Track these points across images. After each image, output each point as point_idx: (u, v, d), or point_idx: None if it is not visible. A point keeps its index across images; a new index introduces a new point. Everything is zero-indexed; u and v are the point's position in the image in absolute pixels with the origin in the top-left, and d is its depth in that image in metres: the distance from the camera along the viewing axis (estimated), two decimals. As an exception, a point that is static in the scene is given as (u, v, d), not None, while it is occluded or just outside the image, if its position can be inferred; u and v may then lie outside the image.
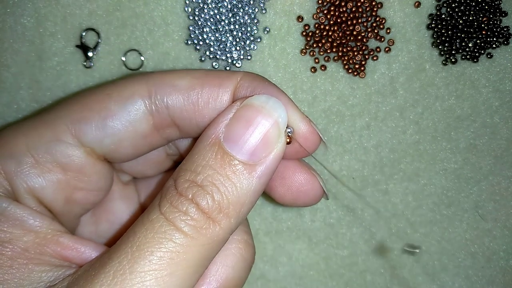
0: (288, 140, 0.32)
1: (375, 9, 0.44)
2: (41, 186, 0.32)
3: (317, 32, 0.44)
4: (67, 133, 0.33)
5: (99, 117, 0.33)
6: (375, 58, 0.45)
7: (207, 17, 0.44)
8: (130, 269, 0.26)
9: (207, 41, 0.44)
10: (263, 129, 0.30)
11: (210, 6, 0.44)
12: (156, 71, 0.43)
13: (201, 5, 0.44)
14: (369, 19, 0.44)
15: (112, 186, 0.38)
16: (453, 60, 0.45)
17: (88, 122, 0.33)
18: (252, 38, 0.45)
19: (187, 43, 0.45)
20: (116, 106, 0.33)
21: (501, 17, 0.44)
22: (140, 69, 0.45)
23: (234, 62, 0.45)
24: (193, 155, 0.30)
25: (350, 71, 0.45)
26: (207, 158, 0.29)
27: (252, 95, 0.31)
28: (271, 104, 0.30)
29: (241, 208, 0.29)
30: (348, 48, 0.45)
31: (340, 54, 0.45)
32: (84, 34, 0.45)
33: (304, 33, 0.45)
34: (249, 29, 0.44)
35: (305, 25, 0.45)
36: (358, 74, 0.45)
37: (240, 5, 0.44)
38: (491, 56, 0.45)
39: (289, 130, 0.32)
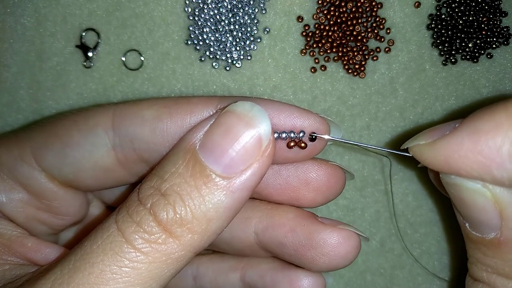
0: (302, 144, 0.31)
1: (375, 9, 0.44)
2: (1, 202, 0.33)
3: (317, 32, 0.44)
4: (30, 156, 0.32)
5: (60, 144, 0.32)
6: (375, 58, 0.45)
7: (207, 17, 0.44)
8: (69, 279, 0.25)
9: (207, 41, 0.44)
10: (242, 140, 0.26)
11: (210, 6, 0.44)
12: (125, 101, 0.40)
13: (201, 5, 0.44)
14: (369, 19, 0.44)
15: (96, 212, 0.38)
16: (453, 60, 0.45)
17: (48, 148, 0.32)
18: (252, 38, 0.45)
19: (187, 43, 0.45)
20: (79, 135, 0.32)
21: (501, 17, 0.44)
22: (140, 69, 0.45)
23: (234, 62, 0.45)
24: (165, 160, 0.28)
25: (350, 71, 0.45)
26: (177, 165, 0.27)
27: (236, 101, 0.28)
28: (254, 112, 0.27)
29: (208, 224, 0.26)
30: (348, 48, 0.45)
31: (340, 54, 0.45)
32: (84, 34, 0.45)
33: (304, 33, 0.45)
34: (249, 29, 0.44)
35: (305, 25, 0.45)
36: (358, 74, 0.45)
37: (240, 5, 0.44)
38: (491, 56, 0.45)
39: (301, 134, 0.31)
